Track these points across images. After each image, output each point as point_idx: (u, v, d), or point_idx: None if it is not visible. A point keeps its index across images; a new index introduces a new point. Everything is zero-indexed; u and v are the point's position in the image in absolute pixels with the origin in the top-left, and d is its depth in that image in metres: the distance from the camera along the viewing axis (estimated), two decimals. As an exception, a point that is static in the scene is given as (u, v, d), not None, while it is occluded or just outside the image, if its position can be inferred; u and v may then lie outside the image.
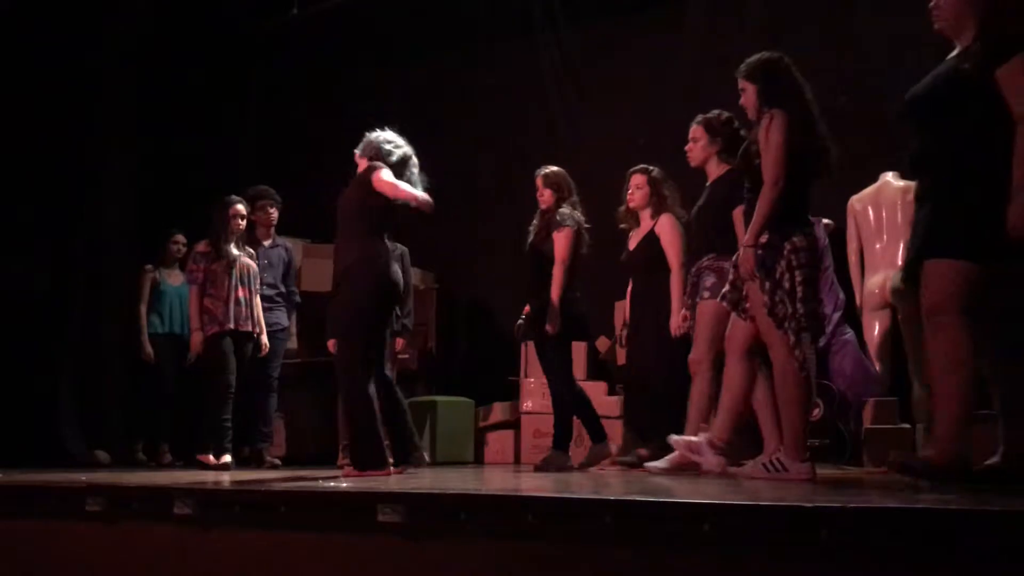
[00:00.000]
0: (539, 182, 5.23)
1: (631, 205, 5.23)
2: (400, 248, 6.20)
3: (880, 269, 5.66)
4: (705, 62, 6.60)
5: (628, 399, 5.53)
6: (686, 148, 4.79)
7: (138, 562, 3.04)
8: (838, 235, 5.91)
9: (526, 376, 6.36)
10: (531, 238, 5.20)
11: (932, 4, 3.30)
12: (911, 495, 2.69)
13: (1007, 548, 1.90)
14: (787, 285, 3.63)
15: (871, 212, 5.76)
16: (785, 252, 3.65)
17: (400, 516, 2.53)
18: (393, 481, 3.77)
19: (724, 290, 4.01)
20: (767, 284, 3.65)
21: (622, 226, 5.35)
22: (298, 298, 6.42)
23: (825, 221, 5.90)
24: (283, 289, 6.30)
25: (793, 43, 6.54)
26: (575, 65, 7.38)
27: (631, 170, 5.23)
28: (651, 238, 5.11)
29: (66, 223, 6.57)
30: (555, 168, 5.25)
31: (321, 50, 8.34)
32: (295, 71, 8.45)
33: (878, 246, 5.70)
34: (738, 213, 4.26)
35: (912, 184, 5.72)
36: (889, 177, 5.77)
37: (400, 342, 6.12)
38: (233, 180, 6.62)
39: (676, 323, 4.84)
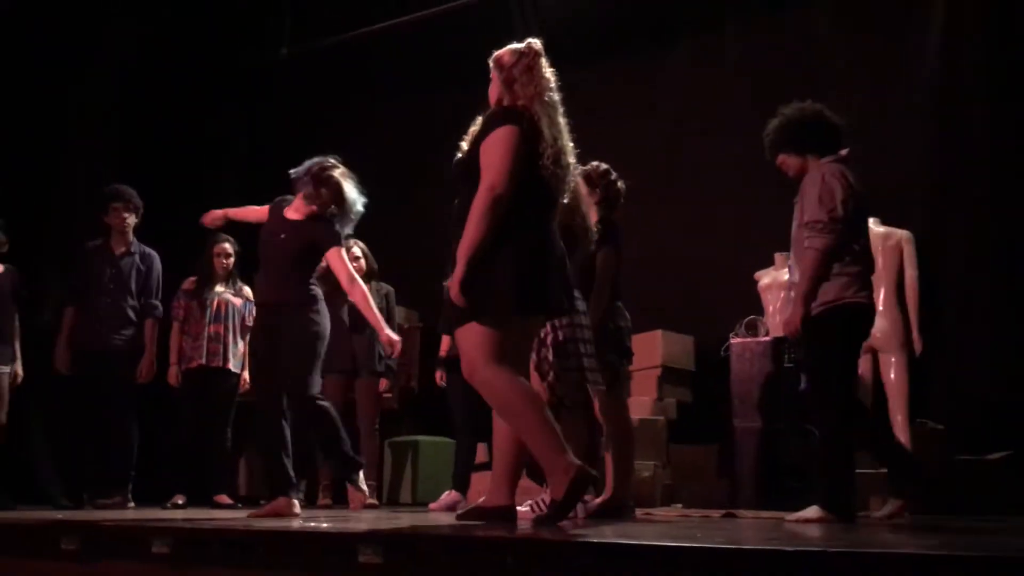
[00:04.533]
0: None
1: None
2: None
3: (862, 313, 5.69)
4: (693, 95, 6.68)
5: None
6: None
7: (113, 602, 3.00)
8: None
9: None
10: None
11: None
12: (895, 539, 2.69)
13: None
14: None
15: (853, 257, 5.80)
16: None
17: (380, 557, 2.51)
18: (374, 521, 3.75)
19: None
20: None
21: None
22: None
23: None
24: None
25: (764, 80, 6.65)
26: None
27: None
28: None
29: (38, 243, 6.53)
30: None
31: (309, 89, 8.42)
32: (283, 109, 8.51)
33: (860, 290, 5.74)
34: None
35: (893, 230, 5.81)
36: (870, 223, 5.83)
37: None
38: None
39: None
